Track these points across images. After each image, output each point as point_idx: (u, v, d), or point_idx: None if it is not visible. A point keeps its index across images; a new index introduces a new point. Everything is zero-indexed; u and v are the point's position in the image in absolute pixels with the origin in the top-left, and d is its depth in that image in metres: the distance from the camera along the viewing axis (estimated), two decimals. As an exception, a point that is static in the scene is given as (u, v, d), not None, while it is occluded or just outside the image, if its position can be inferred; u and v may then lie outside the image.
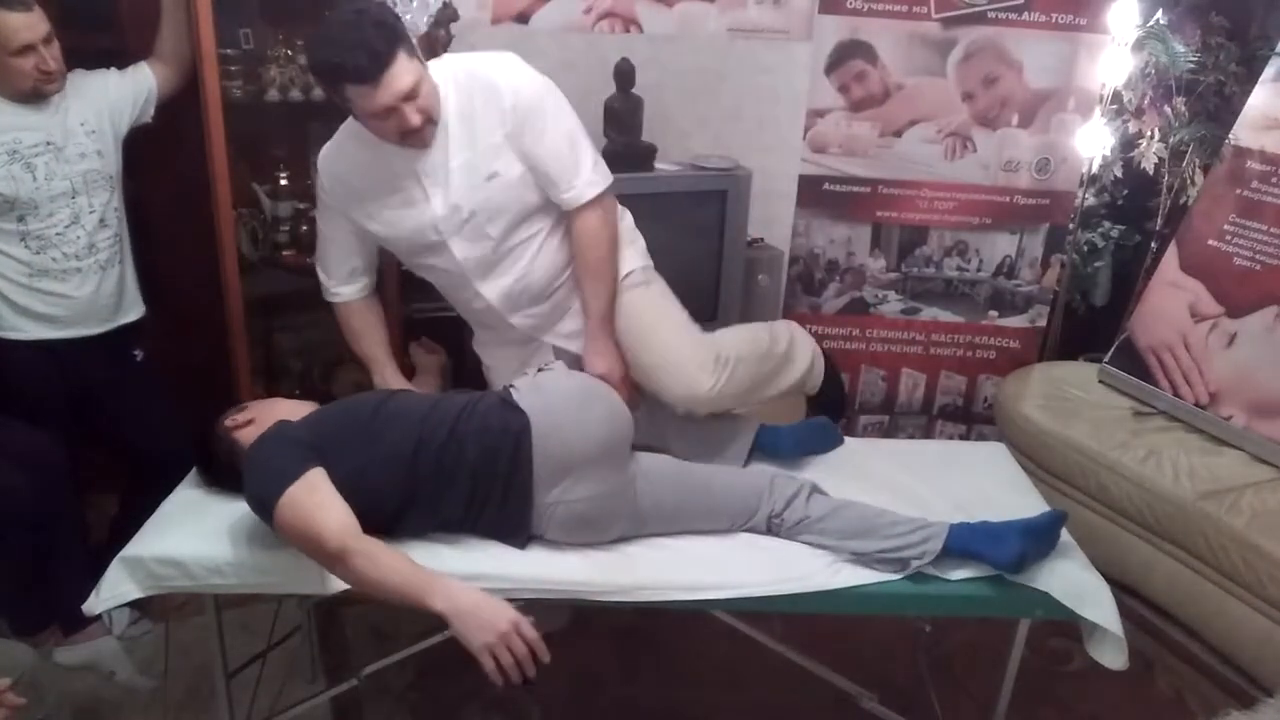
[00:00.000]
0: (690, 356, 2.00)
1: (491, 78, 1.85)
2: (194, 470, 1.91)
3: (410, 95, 1.74)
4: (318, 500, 1.55)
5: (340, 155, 1.95)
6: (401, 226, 1.95)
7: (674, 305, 2.10)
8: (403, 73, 1.71)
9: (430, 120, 1.80)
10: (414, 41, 1.78)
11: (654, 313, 2.05)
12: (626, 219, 2.12)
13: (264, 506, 1.57)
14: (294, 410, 1.79)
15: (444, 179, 1.89)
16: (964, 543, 1.73)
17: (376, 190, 1.93)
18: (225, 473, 1.78)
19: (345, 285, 2.09)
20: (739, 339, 2.13)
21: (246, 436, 1.72)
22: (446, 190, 1.89)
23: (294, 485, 1.55)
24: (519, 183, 1.90)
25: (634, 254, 2.10)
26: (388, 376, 2.10)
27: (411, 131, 1.78)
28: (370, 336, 2.11)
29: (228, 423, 1.79)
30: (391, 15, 1.76)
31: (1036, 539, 1.75)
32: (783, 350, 2.17)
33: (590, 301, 1.98)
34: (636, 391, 2.02)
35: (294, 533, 1.56)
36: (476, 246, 1.95)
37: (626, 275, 2.05)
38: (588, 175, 1.92)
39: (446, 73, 1.86)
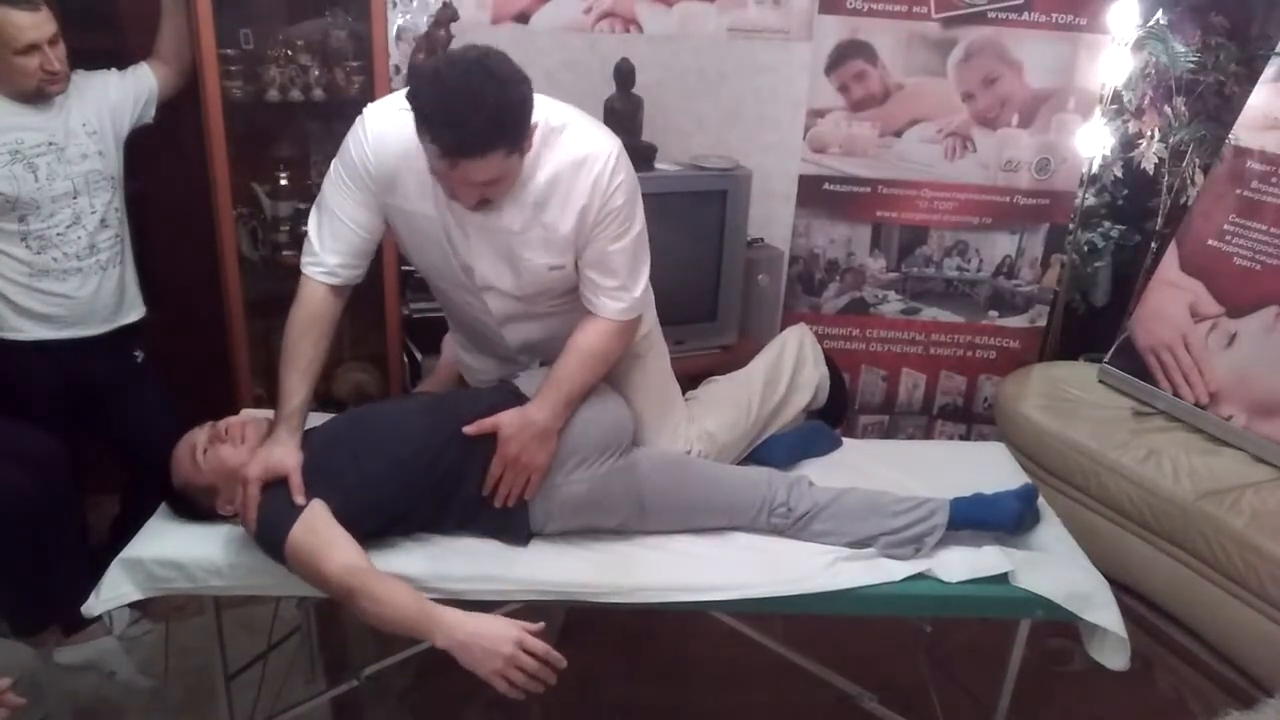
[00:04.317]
0: (666, 444, 1.93)
1: (585, 180, 1.63)
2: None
3: (481, 183, 1.54)
4: (318, 542, 1.56)
5: (398, 135, 1.57)
6: (430, 256, 1.78)
7: (658, 382, 1.97)
8: (486, 168, 1.49)
9: (487, 201, 1.59)
10: (525, 133, 1.52)
11: (639, 396, 1.91)
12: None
13: (273, 551, 1.60)
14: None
15: (484, 249, 1.70)
16: (965, 514, 1.79)
17: (414, 207, 1.69)
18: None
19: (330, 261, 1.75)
20: (728, 412, 2.02)
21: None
22: (484, 261, 1.72)
23: (294, 529, 1.56)
24: (575, 271, 1.76)
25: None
26: (280, 432, 1.66)
27: (467, 204, 1.60)
28: (304, 344, 1.74)
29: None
30: (514, 102, 1.47)
31: (1026, 503, 1.84)
32: (780, 397, 2.11)
33: (561, 369, 1.73)
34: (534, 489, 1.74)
35: (303, 575, 1.58)
36: (511, 304, 1.81)
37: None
38: (627, 302, 1.75)
39: (543, 132, 1.60)
